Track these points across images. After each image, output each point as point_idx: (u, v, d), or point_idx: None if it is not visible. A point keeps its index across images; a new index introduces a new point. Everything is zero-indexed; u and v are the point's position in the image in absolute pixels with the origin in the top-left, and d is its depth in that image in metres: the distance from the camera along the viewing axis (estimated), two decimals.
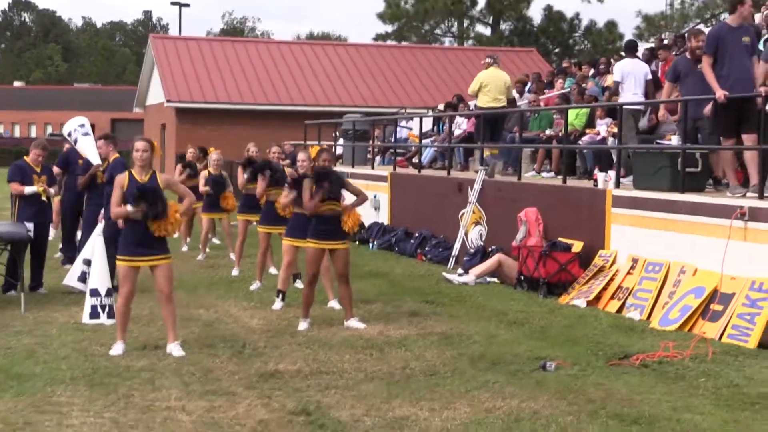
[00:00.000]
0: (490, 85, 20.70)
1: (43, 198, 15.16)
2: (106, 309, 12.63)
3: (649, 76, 17.78)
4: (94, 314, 12.63)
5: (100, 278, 12.78)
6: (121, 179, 10.90)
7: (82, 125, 16.09)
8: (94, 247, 13.30)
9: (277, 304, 14.09)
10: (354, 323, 12.74)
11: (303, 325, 12.60)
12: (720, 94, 13.28)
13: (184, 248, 21.12)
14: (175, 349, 10.92)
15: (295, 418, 8.58)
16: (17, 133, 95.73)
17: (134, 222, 10.79)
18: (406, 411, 8.84)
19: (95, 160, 15.67)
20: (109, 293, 12.72)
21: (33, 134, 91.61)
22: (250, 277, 16.60)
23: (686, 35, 15.97)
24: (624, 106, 16.40)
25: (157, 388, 9.46)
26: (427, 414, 8.76)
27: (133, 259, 10.88)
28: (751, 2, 13.96)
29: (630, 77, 17.45)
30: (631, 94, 17.34)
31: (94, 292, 12.68)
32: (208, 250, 20.37)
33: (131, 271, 10.94)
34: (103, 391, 9.30)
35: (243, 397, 9.21)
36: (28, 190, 14.92)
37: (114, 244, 13.78)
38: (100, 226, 14.75)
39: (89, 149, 15.83)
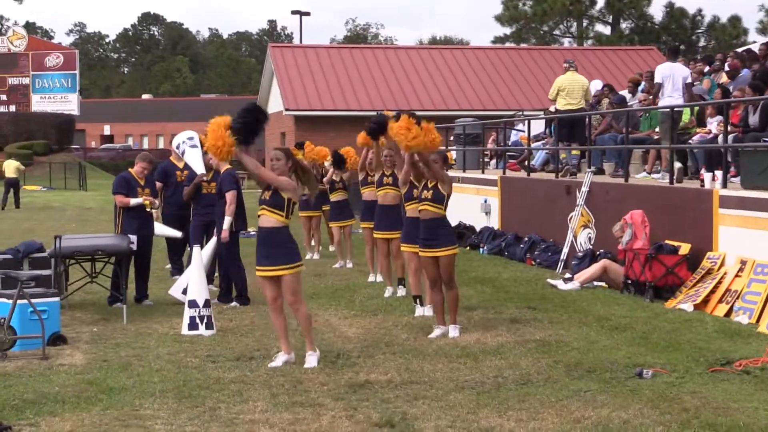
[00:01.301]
0: (568, 89, 21.52)
1: (148, 209, 15.34)
2: (204, 320, 12.71)
3: (689, 80, 18.90)
4: (192, 325, 12.70)
5: (198, 290, 12.85)
6: None
7: (191, 138, 16.26)
8: (194, 259, 13.42)
9: (419, 310, 13.96)
10: (452, 330, 12.58)
11: (437, 332, 12.53)
12: None
13: (315, 256, 21.31)
14: (309, 359, 10.94)
15: (379, 431, 8.49)
16: (145, 145, 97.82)
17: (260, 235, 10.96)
18: (492, 422, 8.67)
19: (200, 170, 15.82)
20: (207, 304, 12.79)
21: (161, 145, 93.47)
22: (356, 285, 16.65)
23: None
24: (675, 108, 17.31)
25: (245, 400, 9.44)
26: (513, 425, 8.59)
27: (259, 269, 10.99)
28: None
29: (669, 80, 18.42)
30: (669, 96, 18.34)
31: (193, 304, 12.75)
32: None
33: (262, 281, 11.10)
34: (190, 403, 9.32)
35: (329, 408, 9.14)
36: (134, 201, 15.08)
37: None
38: (214, 240, 14.95)
39: (196, 161, 15.99)
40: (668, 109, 17.38)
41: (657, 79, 18.73)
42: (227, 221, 14.79)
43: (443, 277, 12.52)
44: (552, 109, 25.73)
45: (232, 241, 15.04)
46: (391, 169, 15.35)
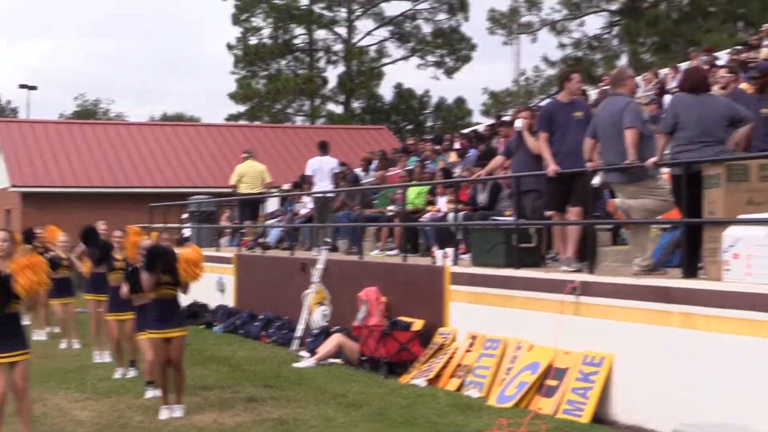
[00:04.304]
0: (248, 176, 24.04)
1: None
2: None
3: (336, 170, 22.52)
4: None
5: None
6: None
7: None
8: None
9: (150, 392, 13.59)
10: (178, 410, 12.38)
11: (165, 413, 12.27)
12: (551, 169, 13.33)
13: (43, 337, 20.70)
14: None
15: None
16: None
17: None
18: None
19: None
20: None
21: None
22: (87, 367, 16.19)
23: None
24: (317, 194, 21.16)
25: None
26: None
27: None
28: (579, 77, 14.08)
29: (318, 171, 22.00)
30: (319, 183, 21.85)
31: None
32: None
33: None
34: None
35: None
36: None
37: None
38: None
39: None
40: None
41: (308, 172, 22.20)
42: None
43: (176, 358, 12.37)
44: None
45: None
46: (122, 254, 15.20)
